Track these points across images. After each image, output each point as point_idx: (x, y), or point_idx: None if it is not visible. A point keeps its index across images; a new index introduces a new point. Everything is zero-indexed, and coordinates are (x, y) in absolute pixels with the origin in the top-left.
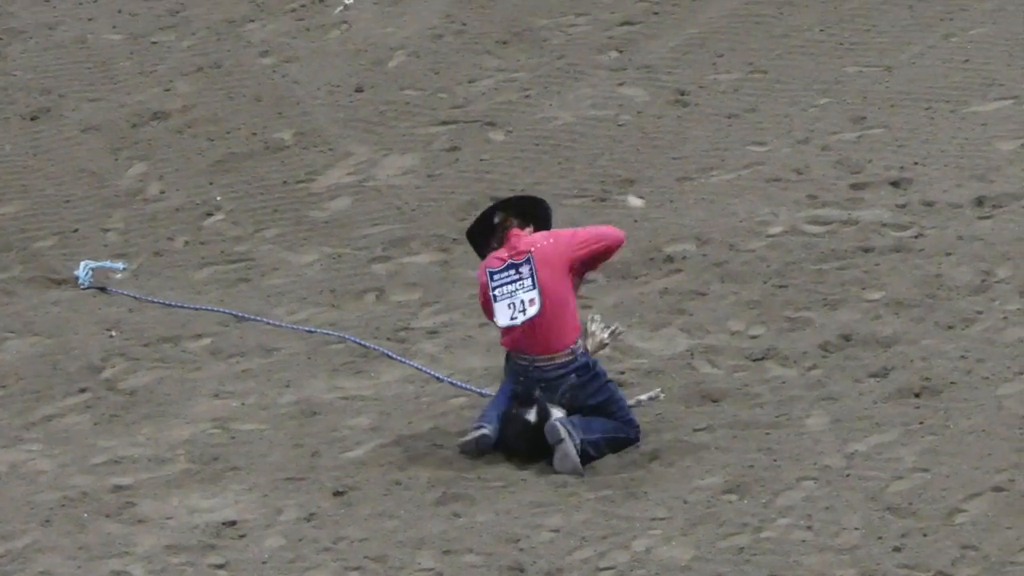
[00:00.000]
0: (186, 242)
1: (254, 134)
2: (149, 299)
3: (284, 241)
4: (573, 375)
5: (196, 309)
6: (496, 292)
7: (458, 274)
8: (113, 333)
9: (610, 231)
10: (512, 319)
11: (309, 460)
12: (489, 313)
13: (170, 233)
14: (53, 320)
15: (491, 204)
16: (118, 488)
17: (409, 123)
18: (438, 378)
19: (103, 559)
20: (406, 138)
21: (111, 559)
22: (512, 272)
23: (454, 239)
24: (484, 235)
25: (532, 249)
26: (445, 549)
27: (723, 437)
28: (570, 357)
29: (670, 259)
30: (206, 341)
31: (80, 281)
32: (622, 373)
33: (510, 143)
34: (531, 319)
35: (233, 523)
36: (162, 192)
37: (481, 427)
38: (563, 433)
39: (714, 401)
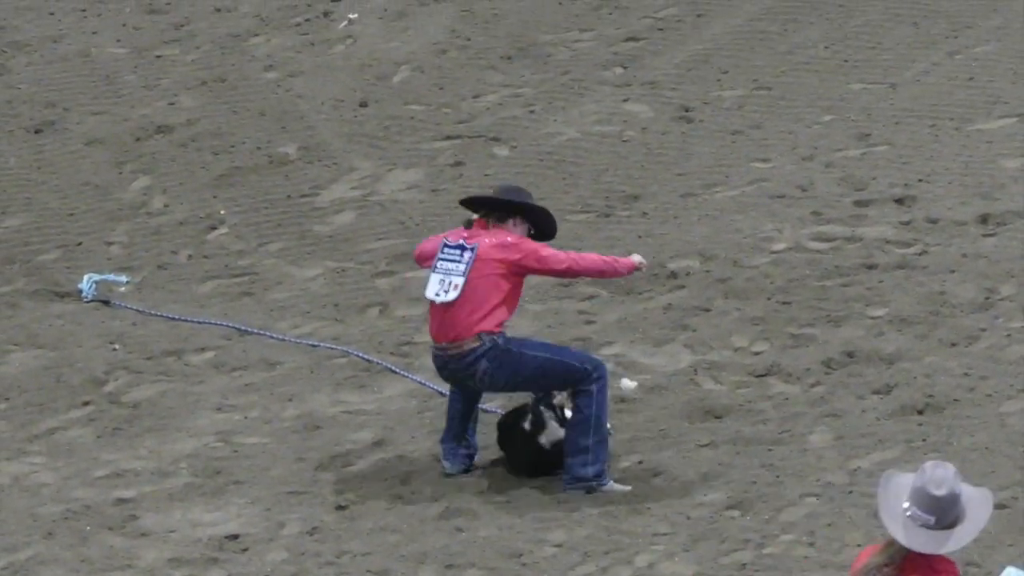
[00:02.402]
0: (190, 255)
1: (258, 148)
2: (152, 312)
3: (288, 255)
4: (484, 360)
5: (199, 323)
6: (438, 264)
7: None
8: (116, 346)
9: (559, 258)
10: (435, 295)
11: (312, 474)
12: (419, 259)
13: (174, 246)
14: (56, 333)
15: (515, 202)
16: (121, 501)
17: (413, 138)
18: (440, 392)
19: (106, 572)
20: (410, 153)
21: (114, 572)
22: (458, 252)
23: None
24: (474, 209)
25: (481, 243)
26: (447, 563)
27: (726, 453)
28: (477, 343)
29: (674, 275)
30: (209, 355)
31: (84, 294)
32: (622, 389)
33: (514, 158)
34: (446, 303)
35: (236, 537)
36: (166, 205)
37: (442, 466)
38: (580, 487)
39: (717, 417)
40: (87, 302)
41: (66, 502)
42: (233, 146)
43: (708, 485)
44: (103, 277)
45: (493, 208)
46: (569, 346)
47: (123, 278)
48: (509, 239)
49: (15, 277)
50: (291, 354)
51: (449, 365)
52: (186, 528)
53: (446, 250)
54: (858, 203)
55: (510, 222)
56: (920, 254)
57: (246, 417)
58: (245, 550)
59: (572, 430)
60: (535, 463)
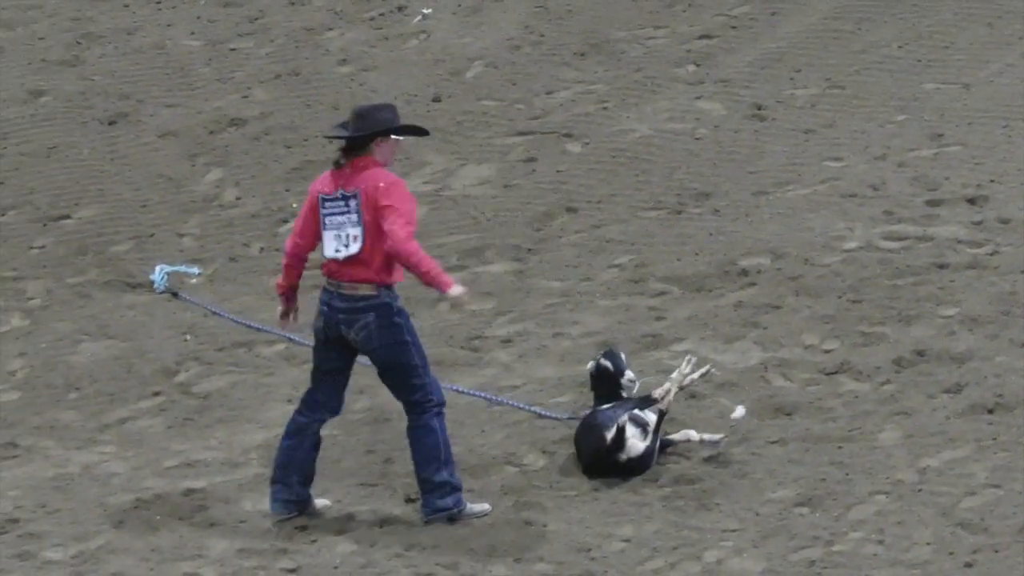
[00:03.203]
0: (261, 248)
1: (330, 141)
2: (211, 309)
3: None
4: (372, 313)
5: (256, 329)
6: (326, 220)
7: (532, 284)
8: (187, 337)
9: (402, 230)
10: (337, 251)
11: (381, 466)
12: (293, 248)
13: (246, 239)
14: (128, 323)
15: (361, 135)
16: (191, 491)
17: (486, 133)
18: (487, 398)
19: (175, 561)
20: (483, 148)
21: (183, 562)
22: (342, 203)
23: (529, 249)
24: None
25: (362, 188)
26: (516, 557)
27: (795, 450)
28: (373, 292)
29: (745, 272)
30: (280, 347)
31: (156, 285)
32: (696, 385)
33: (587, 155)
34: (349, 257)
35: (305, 528)
36: (238, 198)
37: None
38: (443, 520)
39: (787, 414)
40: (159, 293)
41: (136, 491)
42: (306, 140)
43: (777, 482)
44: (175, 268)
45: (348, 148)
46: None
47: (195, 270)
48: (381, 184)
49: (87, 268)
50: None
51: (334, 304)
52: (256, 519)
53: (327, 204)
54: (930, 203)
55: (373, 147)
56: (992, 254)
57: None
58: (314, 541)
59: (424, 468)
60: (607, 471)
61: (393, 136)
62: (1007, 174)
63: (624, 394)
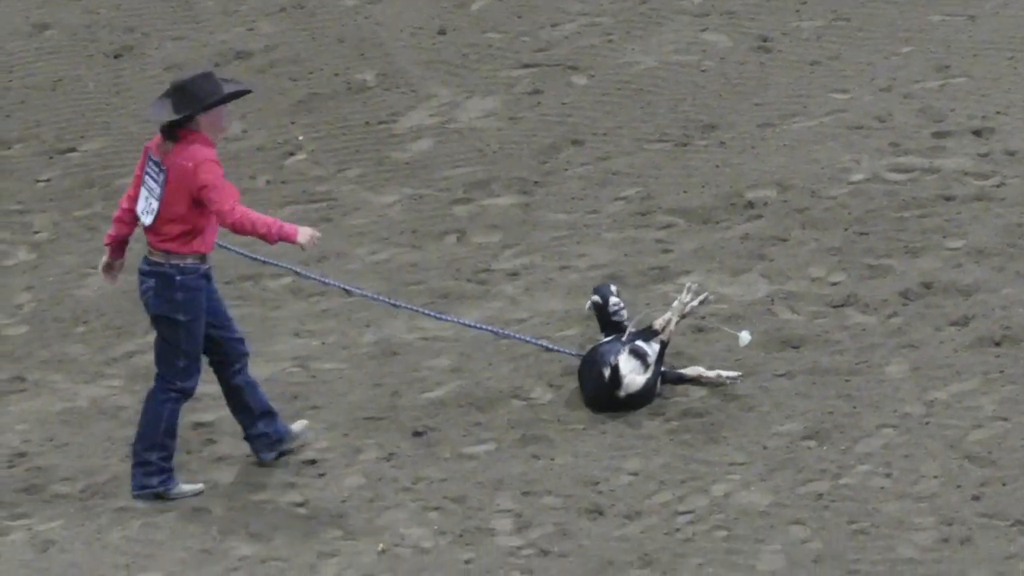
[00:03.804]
0: (268, 181)
1: (336, 75)
2: (218, 242)
3: (366, 182)
4: (154, 279)
5: (263, 262)
6: (145, 178)
7: (539, 217)
8: None
9: (226, 205)
10: (142, 213)
11: (389, 400)
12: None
13: (252, 172)
14: (135, 257)
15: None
16: (199, 425)
17: (491, 66)
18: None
19: (183, 496)
20: (488, 81)
21: (191, 496)
22: (156, 171)
23: (535, 182)
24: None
25: (172, 168)
26: (524, 490)
27: (803, 383)
28: (161, 260)
29: (751, 205)
30: (286, 280)
31: None
32: (703, 318)
33: (592, 87)
34: (146, 225)
35: (313, 462)
36: (244, 131)
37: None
38: (145, 495)
39: (794, 347)
40: None
41: None
42: (311, 73)
43: (785, 415)
44: None
45: (167, 132)
46: (200, 355)
47: None
48: (190, 164)
49: (94, 200)
50: (369, 280)
51: (143, 271)
52: None
53: (149, 164)
54: (936, 135)
55: (199, 120)
56: (998, 186)
57: (324, 343)
58: (322, 475)
59: (140, 441)
60: (609, 407)
61: (212, 115)
62: (1013, 106)
63: (624, 323)
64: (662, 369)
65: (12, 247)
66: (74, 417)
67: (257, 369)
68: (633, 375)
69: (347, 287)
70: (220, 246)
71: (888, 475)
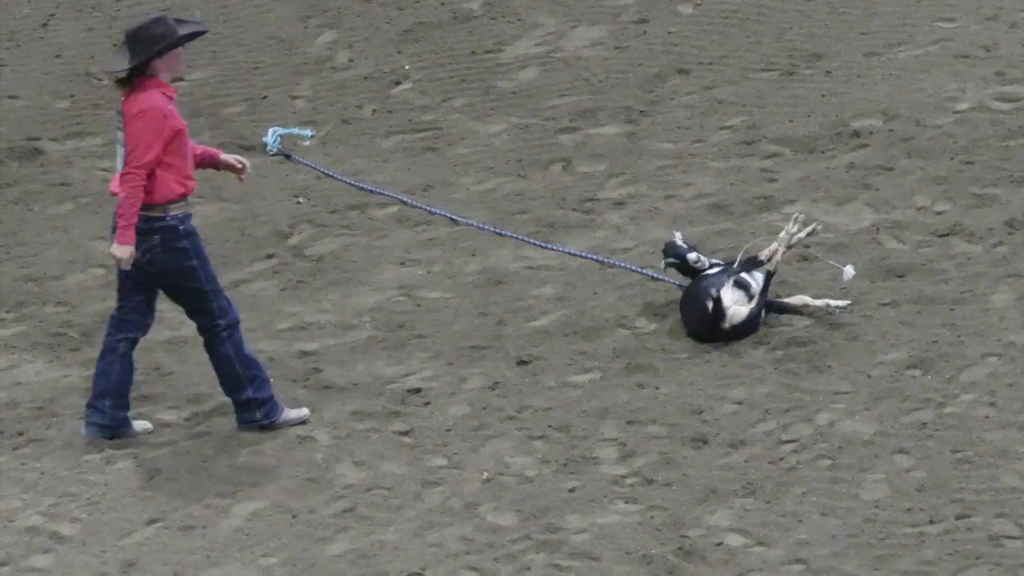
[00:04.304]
0: (374, 110)
1: (442, 4)
2: (325, 171)
3: (472, 111)
4: (157, 236)
5: (369, 191)
6: (117, 133)
7: (645, 146)
8: (300, 200)
9: (132, 157)
10: (118, 168)
11: (494, 329)
12: None
13: (358, 101)
14: (241, 186)
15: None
16: (304, 354)
17: None
18: (598, 260)
19: (289, 424)
20: (594, 10)
21: (297, 424)
22: (120, 121)
23: (641, 111)
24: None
25: (126, 114)
26: (628, 420)
27: (907, 312)
28: (159, 214)
29: (857, 134)
30: (392, 209)
31: (268, 147)
32: (807, 247)
33: (698, 16)
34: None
35: (418, 390)
36: (351, 60)
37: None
38: (253, 426)
39: (899, 276)
40: (272, 155)
41: None
42: (417, 1)
43: (889, 344)
44: (288, 131)
45: (123, 80)
46: (220, 286)
47: (308, 132)
48: (135, 111)
49: (201, 130)
50: (474, 209)
51: (139, 225)
52: (369, 381)
53: (118, 116)
54: None
55: (155, 65)
56: None
57: (429, 271)
58: (427, 404)
59: (228, 390)
60: (712, 338)
61: (165, 59)
62: None
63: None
64: (767, 299)
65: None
66: (180, 346)
67: (362, 298)
68: (737, 306)
69: (453, 216)
70: (328, 175)
71: (992, 404)
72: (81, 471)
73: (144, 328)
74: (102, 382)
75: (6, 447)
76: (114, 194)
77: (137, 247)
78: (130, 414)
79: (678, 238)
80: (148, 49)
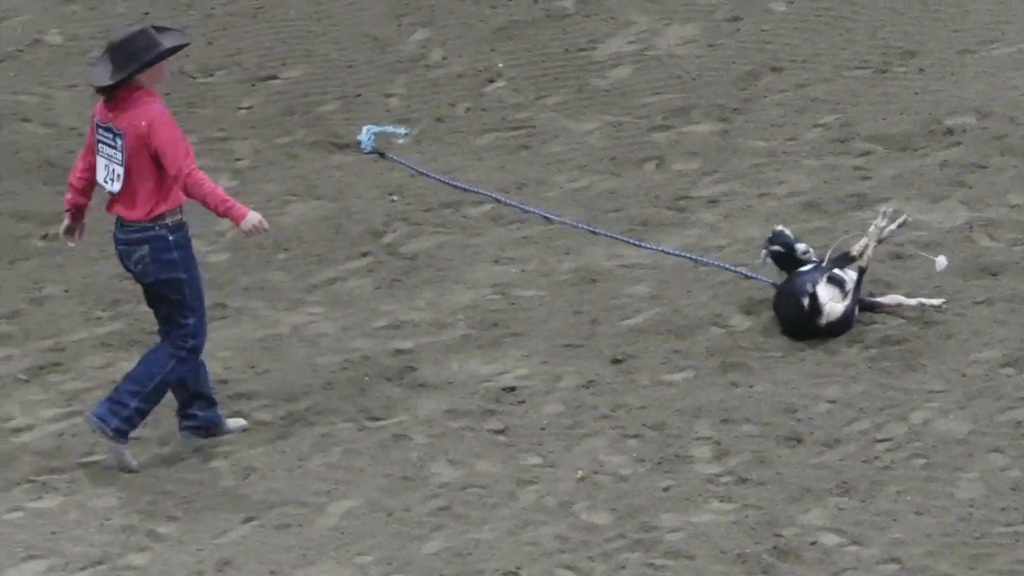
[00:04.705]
0: (467, 108)
1: (536, 2)
2: (419, 169)
3: (565, 109)
4: (147, 246)
5: (463, 189)
6: (99, 146)
7: (738, 144)
8: (395, 198)
9: (183, 165)
10: (105, 181)
11: (588, 327)
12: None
13: (452, 99)
14: (335, 184)
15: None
16: (399, 352)
17: None
18: (692, 259)
19: (383, 421)
20: (687, 7)
21: (391, 422)
22: (110, 136)
23: (734, 109)
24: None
25: (125, 127)
26: (723, 418)
27: (1001, 311)
28: (148, 224)
29: (950, 131)
30: (487, 207)
31: (362, 145)
32: (900, 245)
33: (791, 13)
34: (112, 193)
35: (512, 389)
36: (444, 58)
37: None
38: (96, 427)
39: (993, 274)
40: (366, 153)
41: (345, 352)
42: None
43: (983, 342)
44: (382, 129)
45: (108, 94)
46: (205, 310)
47: (402, 130)
48: (143, 123)
49: (295, 128)
50: (568, 207)
51: (117, 235)
52: (463, 379)
53: (100, 131)
54: None
55: (139, 77)
56: None
57: (523, 270)
58: (521, 402)
59: (127, 382)
60: (807, 335)
61: (152, 71)
62: None
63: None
64: (860, 296)
65: (214, 174)
66: (275, 344)
67: (456, 296)
68: (832, 303)
69: (547, 214)
70: (422, 173)
71: None
72: (177, 469)
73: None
74: (182, 393)
75: (102, 445)
76: (118, 215)
77: (128, 257)
78: (222, 412)
79: (788, 232)
80: (131, 63)
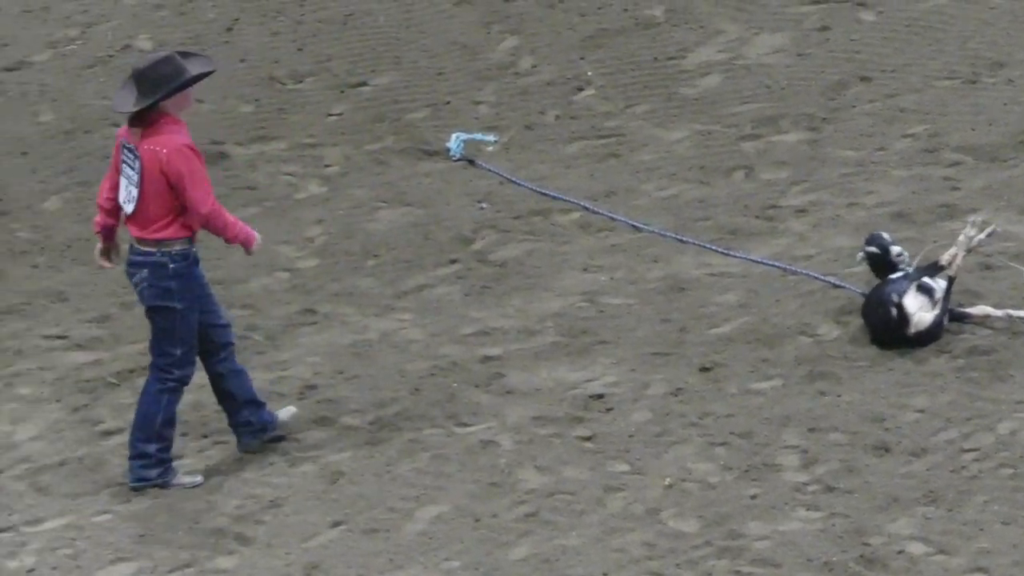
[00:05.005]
0: (557, 116)
1: (625, 10)
2: (508, 177)
3: (654, 117)
4: (147, 270)
5: (553, 196)
6: (122, 166)
7: (827, 153)
8: (484, 205)
9: (203, 200)
10: (124, 202)
11: (676, 335)
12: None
13: (541, 107)
14: (425, 191)
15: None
16: (487, 359)
17: (780, 2)
18: (781, 268)
19: (471, 427)
20: (777, 17)
21: (479, 428)
22: (131, 157)
23: (823, 118)
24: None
25: (144, 153)
26: (811, 427)
27: None
28: (152, 249)
29: None
30: (575, 215)
31: (452, 153)
32: (989, 256)
33: (880, 23)
34: (128, 214)
35: (600, 396)
36: (534, 66)
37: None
38: (143, 488)
39: None
40: (455, 161)
41: (433, 359)
42: (600, 8)
43: None
44: (471, 136)
45: (133, 118)
46: (195, 343)
47: (491, 137)
48: (164, 151)
49: (384, 135)
50: (656, 215)
51: (130, 255)
52: (551, 387)
53: (125, 151)
54: None
55: (165, 104)
56: None
57: (612, 278)
58: (610, 409)
59: (136, 433)
60: (896, 344)
61: (175, 98)
62: None
63: (905, 267)
64: (948, 307)
65: (303, 180)
66: (364, 350)
67: (545, 304)
68: (921, 312)
69: (635, 222)
70: (511, 180)
71: None
72: (265, 473)
73: (216, 344)
74: (228, 404)
75: (191, 449)
76: (140, 238)
77: (131, 278)
78: (268, 408)
79: (886, 235)
80: (157, 90)
